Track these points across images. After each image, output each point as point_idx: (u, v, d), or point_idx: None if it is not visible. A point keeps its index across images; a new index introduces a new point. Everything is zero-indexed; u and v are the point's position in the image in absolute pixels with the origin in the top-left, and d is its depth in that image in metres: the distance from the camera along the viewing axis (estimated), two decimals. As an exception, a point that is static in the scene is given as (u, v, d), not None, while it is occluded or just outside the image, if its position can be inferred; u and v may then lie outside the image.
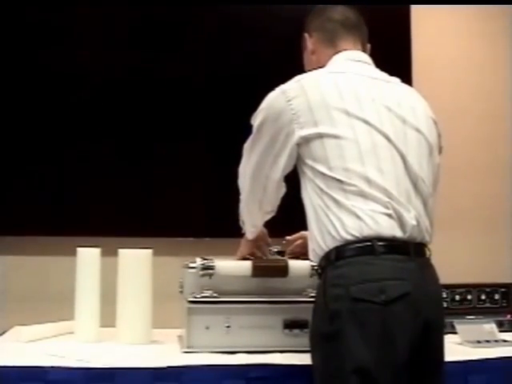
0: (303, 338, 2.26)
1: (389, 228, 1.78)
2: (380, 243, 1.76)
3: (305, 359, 2.14)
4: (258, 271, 2.36)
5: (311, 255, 1.95)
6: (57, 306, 2.66)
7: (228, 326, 2.24)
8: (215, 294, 2.30)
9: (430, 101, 3.17)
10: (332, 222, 1.81)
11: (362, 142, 1.82)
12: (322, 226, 1.84)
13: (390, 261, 1.76)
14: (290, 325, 2.26)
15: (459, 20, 3.32)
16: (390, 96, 1.94)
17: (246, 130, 2.96)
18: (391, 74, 3.07)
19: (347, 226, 1.78)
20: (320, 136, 1.85)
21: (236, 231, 2.87)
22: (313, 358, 1.86)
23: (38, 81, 2.90)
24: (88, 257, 2.46)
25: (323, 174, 1.84)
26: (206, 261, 2.35)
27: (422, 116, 1.99)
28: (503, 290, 2.79)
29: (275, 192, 2.08)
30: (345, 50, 2.03)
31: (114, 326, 2.42)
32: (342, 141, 1.82)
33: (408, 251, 1.79)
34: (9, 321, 2.65)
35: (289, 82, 1.97)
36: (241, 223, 2.33)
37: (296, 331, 2.26)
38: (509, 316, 2.74)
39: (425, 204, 1.88)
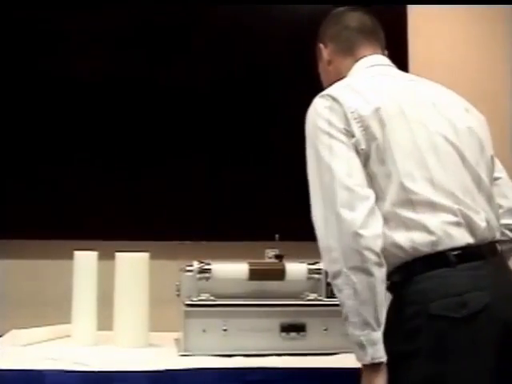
0: (300, 342, 2.27)
1: (461, 238, 1.69)
2: (454, 253, 1.67)
3: (302, 362, 2.15)
4: (255, 274, 2.37)
5: None
6: (54, 309, 2.66)
7: (225, 329, 2.24)
8: (212, 298, 2.30)
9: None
10: (403, 236, 1.69)
11: (422, 145, 1.74)
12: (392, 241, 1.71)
13: (467, 270, 1.67)
14: (287, 328, 2.27)
15: (457, 21, 3.32)
16: (432, 95, 1.87)
17: (246, 134, 2.99)
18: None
19: (418, 240, 1.68)
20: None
21: (233, 235, 2.89)
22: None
23: (37, 85, 2.90)
24: (85, 260, 2.46)
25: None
26: (202, 264, 2.36)
27: (466, 111, 1.90)
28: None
29: None
30: (365, 56, 1.94)
31: (111, 330, 2.42)
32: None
33: (482, 255, 1.71)
34: (6, 324, 2.64)
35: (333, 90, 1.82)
36: (355, 331, 1.66)
37: (293, 334, 2.27)
38: None
39: (489, 200, 1.80)
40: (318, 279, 2.40)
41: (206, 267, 2.35)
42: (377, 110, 1.72)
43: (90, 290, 2.45)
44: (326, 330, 2.29)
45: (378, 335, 1.62)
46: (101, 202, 2.88)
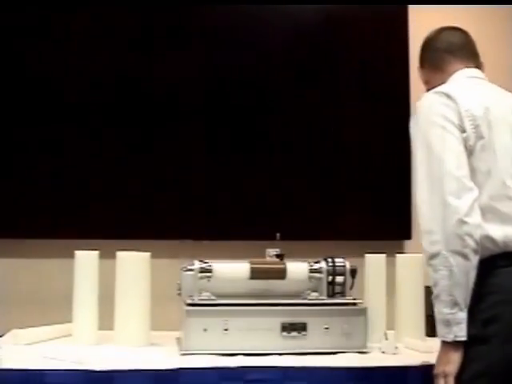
0: (301, 341, 2.27)
1: None
2: None
3: (303, 362, 2.15)
4: (256, 274, 2.37)
5: None
6: (55, 308, 2.66)
7: (226, 329, 2.24)
8: (213, 297, 2.30)
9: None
10: (498, 230, 1.83)
11: None
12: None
13: None
14: (287, 327, 2.27)
15: (458, 21, 3.29)
16: None
17: (247, 134, 2.99)
18: (389, 73, 3.10)
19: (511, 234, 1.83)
20: None
21: (234, 234, 2.89)
22: None
23: (37, 83, 2.90)
24: (86, 259, 2.46)
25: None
26: (204, 263, 2.36)
27: None
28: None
29: None
30: (458, 70, 2.06)
31: (112, 329, 2.42)
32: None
33: None
34: (7, 323, 2.64)
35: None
36: (445, 310, 1.81)
37: (294, 334, 2.27)
38: None
39: None
40: (319, 278, 2.40)
41: (207, 266, 2.35)
42: (486, 111, 1.89)
43: (91, 289, 2.45)
44: (327, 329, 2.29)
45: (464, 316, 1.77)
46: (102, 202, 2.88)
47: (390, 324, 2.57)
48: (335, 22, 3.09)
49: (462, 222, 1.76)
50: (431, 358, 2.21)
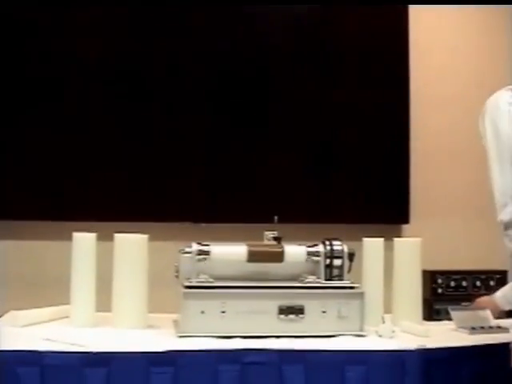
0: (298, 324, 2.27)
1: None
2: None
3: (300, 345, 2.15)
4: (254, 256, 2.37)
5: None
6: (53, 290, 2.66)
7: (223, 311, 2.24)
8: (211, 279, 2.30)
9: (426, 92, 3.18)
10: None
11: None
12: None
13: None
14: (285, 310, 2.27)
15: (458, 20, 3.30)
16: None
17: (245, 118, 2.98)
18: (389, 69, 3.07)
19: None
20: None
21: (232, 216, 2.89)
22: None
23: (35, 70, 2.89)
24: (84, 242, 2.46)
25: None
26: (201, 246, 2.36)
27: None
28: (498, 276, 2.80)
29: None
30: None
31: (109, 311, 2.43)
32: None
33: None
34: (5, 305, 2.65)
35: None
36: None
37: (291, 316, 2.27)
38: (504, 302, 2.74)
39: None
40: (317, 262, 2.40)
41: (205, 249, 2.35)
42: None
43: (88, 272, 2.46)
44: (324, 312, 2.30)
45: None
46: (100, 184, 2.88)
47: (387, 308, 2.58)
48: (336, 16, 3.08)
49: None
50: (428, 342, 2.24)
